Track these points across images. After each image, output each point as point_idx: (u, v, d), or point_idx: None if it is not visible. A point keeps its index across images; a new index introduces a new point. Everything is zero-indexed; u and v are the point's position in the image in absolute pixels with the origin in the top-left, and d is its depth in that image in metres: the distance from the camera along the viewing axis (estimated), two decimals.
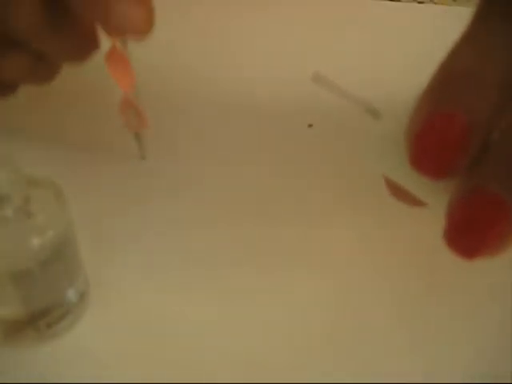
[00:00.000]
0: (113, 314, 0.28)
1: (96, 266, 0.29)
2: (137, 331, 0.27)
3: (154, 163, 0.34)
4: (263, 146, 0.36)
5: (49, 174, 0.26)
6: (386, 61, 0.39)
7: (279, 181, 0.34)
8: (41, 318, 0.26)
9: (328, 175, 0.34)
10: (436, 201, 0.29)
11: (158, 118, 0.36)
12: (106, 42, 0.29)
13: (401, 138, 0.22)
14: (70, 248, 0.26)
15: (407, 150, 0.21)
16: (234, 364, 0.26)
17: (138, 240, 0.31)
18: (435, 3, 0.43)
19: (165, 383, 0.25)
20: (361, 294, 0.29)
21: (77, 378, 0.26)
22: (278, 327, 0.28)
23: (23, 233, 0.24)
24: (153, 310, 0.28)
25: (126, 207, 0.32)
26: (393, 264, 0.30)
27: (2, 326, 0.26)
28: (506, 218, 0.20)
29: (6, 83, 0.32)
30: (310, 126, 0.37)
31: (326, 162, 0.34)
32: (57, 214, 0.25)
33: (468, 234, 0.20)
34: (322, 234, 0.31)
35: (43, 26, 0.28)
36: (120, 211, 0.32)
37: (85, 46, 0.30)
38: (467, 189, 0.20)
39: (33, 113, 0.36)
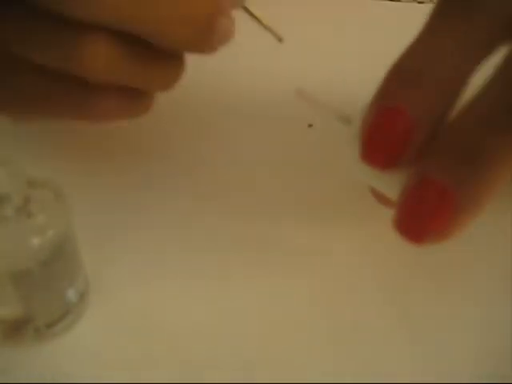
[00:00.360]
0: (113, 314, 0.28)
1: (96, 266, 0.29)
2: (137, 331, 0.27)
3: (155, 164, 0.34)
4: (263, 146, 0.36)
5: (49, 173, 0.26)
6: (386, 61, 0.39)
7: (279, 180, 0.34)
8: (41, 318, 0.26)
9: (328, 175, 0.34)
10: None
11: (157, 118, 0.36)
12: None
13: None
14: (70, 248, 0.26)
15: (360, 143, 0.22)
16: (235, 365, 0.26)
17: (138, 240, 0.31)
18: (435, 3, 0.43)
19: (165, 383, 0.25)
20: (361, 294, 0.29)
21: (77, 377, 0.26)
22: (278, 328, 0.28)
23: (23, 233, 0.24)
24: (153, 310, 0.28)
25: (126, 207, 0.32)
26: (393, 263, 0.30)
27: (1, 326, 0.26)
28: (448, 206, 0.21)
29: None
30: (310, 125, 0.37)
31: (326, 162, 0.34)
32: (57, 214, 0.25)
33: (413, 222, 0.21)
34: (322, 232, 0.31)
35: (122, 64, 0.26)
36: (120, 211, 0.32)
37: (174, 69, 0.29)
38: (414, 178, 0.21)
39: None
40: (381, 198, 0.26)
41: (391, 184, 0.23)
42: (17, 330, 0.26)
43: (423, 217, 0.21)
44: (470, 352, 0.27)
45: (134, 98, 0.29)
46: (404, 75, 0.22)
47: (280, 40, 0.27)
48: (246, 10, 0.28)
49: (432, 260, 0.30)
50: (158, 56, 0.28)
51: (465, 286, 0.29)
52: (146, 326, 0.27)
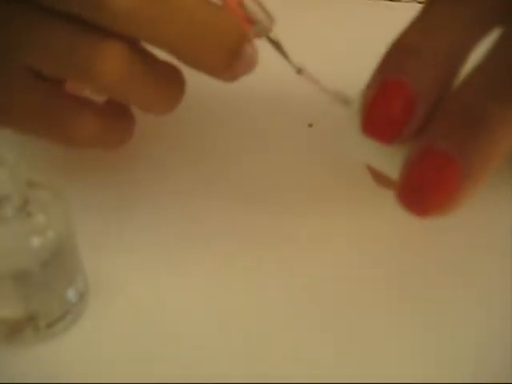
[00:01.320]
0: (112, 314, 0.28)
1: (96, 266, 0.29)
2: (137, 331, 0.27)
3: (154, 162, 0.34)
4: (263, 146, 0.36)
5: (49, 174, 0.26)
6: None
7: (278, 180, 0.34)
8: (41, 318, 0.26)
9: (328, 175, 0.34)
10: None
11: (157, 117, 0.36)
12: None
13: None
14: (69, 248, 0.26)
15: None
16: (236, 364, 0.26)
17: (138, 240, 0.31)
18: None
19: (165, 383, 0.25)
20: (360, 294, 0.29)
21: (76, 377, 0.26)
22: (277, 325, 0.28)
23: (23, 233, 0.24)
24: (153, 310, 0.28)
25: (126, 207, 0.32)
26: (392, 262, 0.30)
27: (1, 326, 0.26)
28: (451, 173, 0.21)
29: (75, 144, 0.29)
30: (310, 125, 0.37)
31: (325, 162, 0.34)
32: (57, 214, 0.25)
33: (417, 193, 0.21)
34: (323, 231, 0.31)
35: (131, 77, 0.27)
36: (120, 211, 0.32)
37: (175, 90, 0.29)
38: (417, 149, 0.21)
39: None
40: (380, 179, 0.26)
41: (393, 161, 0.23)
42: (17, 330, 0.26)
43: (426, 186, 0.21)
44: (470, 352, 0.27)
45: (114, 125, 0.29)
46: (404, 49, 0.22)
47: (299, 72, 0.27)
48: (270, 39, 0.28)
49: (432, 259, 0.30)
50: (165, 74, 0.28)
51: (466, 285, 0.29)
52: (146, 326, 0.27)
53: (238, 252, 0.30)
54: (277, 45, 0.28)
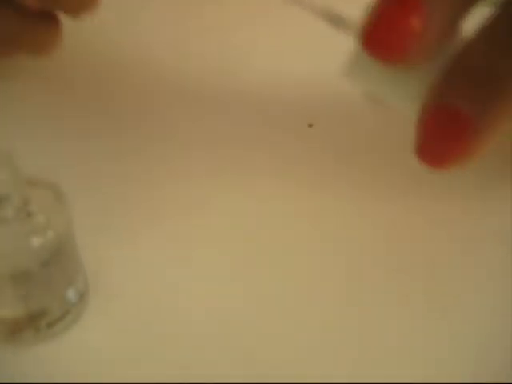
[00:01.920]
0: (112, 314, 0.28)
1: (96, 266, 0.29)
2: (137, 331, 0.27)
3: (155, 163, 0.34)
4: (263, 146, 0.36)
5: (49, 173, 0.26)
6: None
7: (278, 181, 0.34)
8: (41, 318, 0.26)
9: (328, 175, 0.34)
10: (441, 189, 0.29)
11: (158, 118, 0.36)
12: None
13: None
14: (69, 248, 0.26)
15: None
16: (236, 365, 0.26)
17: (138, 240, 0.31)
18: None
19: (165, 383, 0.25)
20: (360, 294, 0.29)
21: (77, 377, 0.26)
22: (277, 325, 0.28)
23: (23, 233, 0.24)
24: (153, 310, 0.28)
25: (126, 207, 0.32)
26: (392, 261, 0.30)
27: (1, 326, 0.26)
28: (468, 131, 0.21)
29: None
30: (310, 125, 0.37)
31: (326, 162, 0.34)
32: (57, 214, 0.25)
33: (435, 147, 0.21)
34: (323, 231, 0.31)
35: None
36: (120, 211, 0.32)
37: None
38: (432, 105, 0.21)
39: (32, 110, 0.36)
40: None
41: (402, 92, 0.22)
42: (17, 330, 0.26)
43: (443, 142, 0.21)
44: (470, 352, 0.27)
45: (37, 26, 0.29)
46: None
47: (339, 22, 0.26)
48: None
49: (432, 261, 0.30)
50: None
51: (466, 284, 0.29)
52: (146, 326, 0.27)
53: (238, 252, 0.30)
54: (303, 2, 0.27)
